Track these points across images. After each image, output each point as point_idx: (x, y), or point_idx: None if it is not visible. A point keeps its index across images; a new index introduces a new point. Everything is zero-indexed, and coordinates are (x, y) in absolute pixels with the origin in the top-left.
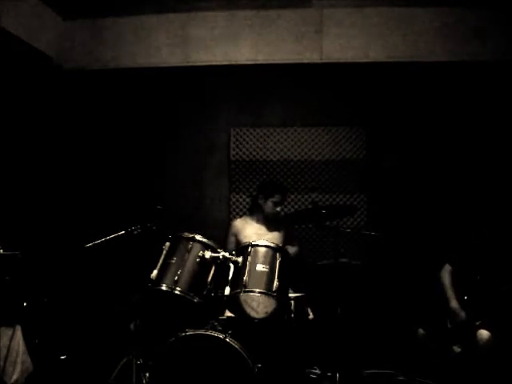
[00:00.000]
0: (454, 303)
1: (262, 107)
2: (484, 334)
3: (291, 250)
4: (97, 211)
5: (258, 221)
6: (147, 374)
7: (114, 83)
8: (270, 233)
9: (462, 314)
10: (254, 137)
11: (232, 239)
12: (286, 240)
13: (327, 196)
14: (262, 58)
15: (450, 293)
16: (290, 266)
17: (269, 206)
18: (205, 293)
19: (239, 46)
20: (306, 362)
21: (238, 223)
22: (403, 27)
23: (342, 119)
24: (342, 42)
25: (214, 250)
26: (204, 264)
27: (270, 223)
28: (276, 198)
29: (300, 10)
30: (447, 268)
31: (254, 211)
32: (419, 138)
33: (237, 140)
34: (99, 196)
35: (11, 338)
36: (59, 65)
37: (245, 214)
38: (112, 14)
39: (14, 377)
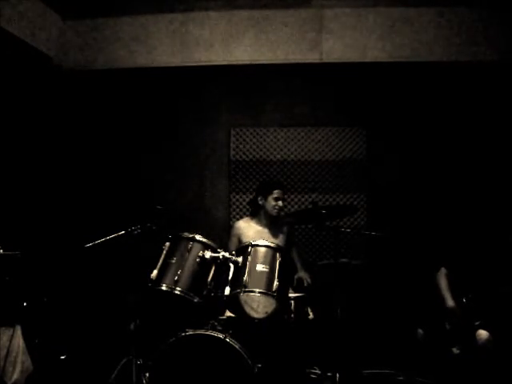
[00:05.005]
0: (450, 302)
1: (261, 107)
2: (483, 334)
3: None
4: (97, 211)
5: (260, 224)
6: (147, 374)
7: (113, 83)
8: (272, 236)
9: (458, 311)
10: (254, 137)
11: (235, 240)
12: (288, 244)
13: (327, 196)
14: (262, 58)
15: (446, 293)
16: (290, 266)
17: (270, 203)
18: (205, 293)
19: (239, 46)
20: (306, 362)
21: (241, 225)
22: (403, 27)
23: (342, 119)
24: (342, 42)
25: (214, 250)
26: (204, 264)
27: (273, 226)
28: (276, 194)
29: (300, 10)
30: (443, 271)
31: (256, 214)
32: (419, 139)
33: (237, 140)
34: (99, 196)
35: (11, 338)
36: (59, 65)
37: (245, 214)
38: (112, 14)
39: (14, 377)
